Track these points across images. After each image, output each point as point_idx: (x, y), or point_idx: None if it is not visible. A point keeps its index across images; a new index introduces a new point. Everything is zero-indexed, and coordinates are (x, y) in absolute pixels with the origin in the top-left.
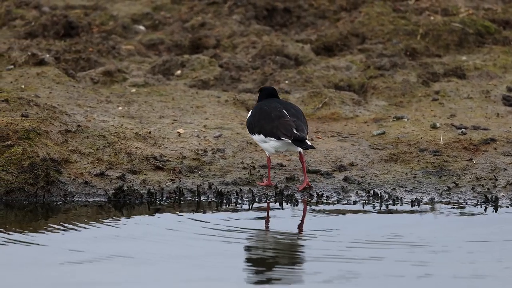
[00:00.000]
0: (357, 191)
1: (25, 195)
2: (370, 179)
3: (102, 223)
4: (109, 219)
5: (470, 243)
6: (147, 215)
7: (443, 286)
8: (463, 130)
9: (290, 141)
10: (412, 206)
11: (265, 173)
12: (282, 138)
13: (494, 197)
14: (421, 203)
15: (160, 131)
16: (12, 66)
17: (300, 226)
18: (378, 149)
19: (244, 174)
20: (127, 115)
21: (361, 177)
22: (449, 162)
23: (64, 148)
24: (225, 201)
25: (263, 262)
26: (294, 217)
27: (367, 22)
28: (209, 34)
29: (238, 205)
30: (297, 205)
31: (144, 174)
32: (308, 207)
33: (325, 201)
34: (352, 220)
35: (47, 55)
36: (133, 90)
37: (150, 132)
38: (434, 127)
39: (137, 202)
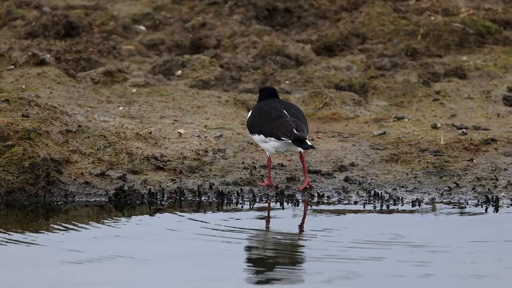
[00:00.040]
0: (358, 191)
1: (25, 195)
2: (371, 179)
3: (102, 223)
4: (110, 219)
5: (471, 243)
6: (147, 215)
7: (444, 286)
8: (464, 130)
9: (290, 141)
10: (413, 206)
11: (266, 173)
12: (282, 138)
13: (494, 197)
14: (422, 203)
15: (161, 131)
16: (12, 66)
17: (301, 226)
18: (378, 149)
19: (245, 174)
20: (128, 115)
21: (362, 177)
22: (450, 162)
23: (65, 148)
24: (226, 201)
25: (264, 262)
26: (295, 217)
27: (367, 22)
28: (210, 34)
29: (239, 205)
30: (298, 205)
31: (145, 174)
32: (309, 207)
33: (326, 201)
34: (352, 220)
35: (48, 55)
36: (134, 90)
37: (150, 132)
38: (434, 127)
39: (137, 202)
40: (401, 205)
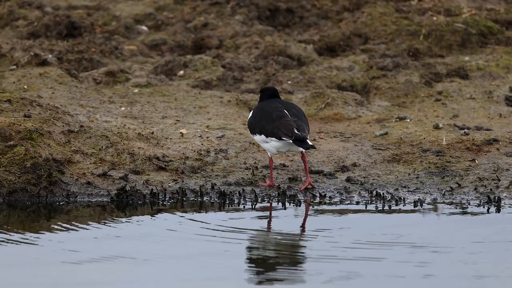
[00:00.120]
0: (359, 192)
1: (27, 195)
2: (373, 179)
3: (104, 224)
4: (111, 219)
5: (472, 244)
6: (149, 215)
7: (445, 286)
8: (466, 130)
9: (291, 141)
10: (414, 206)
11: (268, 173)
12: (283, 138)
13: (496, 198)
14: (423, 204)
15: (163, 132)
16: (14, 67)
17: (302, 227)
18: (380, 149)
19: (247, 174)
20: (130, 116)
21: (364, 177)
22: (452, 163)
23: (67, 149)
24: (227, 202)
25: (265, 263)
26: (297, 217)
27: (369, 22)
28: (212, 34)
29: (241, 206)
30: (299, 206)
31: (147, 175)
32: (310, 208)
33: (327, 201)
34: (354, 220)
35: (50, 56)
36: (136, 90)
37: (152, 133)
38: (436, 127)
39: (139, 202)
40: (403, 206)
